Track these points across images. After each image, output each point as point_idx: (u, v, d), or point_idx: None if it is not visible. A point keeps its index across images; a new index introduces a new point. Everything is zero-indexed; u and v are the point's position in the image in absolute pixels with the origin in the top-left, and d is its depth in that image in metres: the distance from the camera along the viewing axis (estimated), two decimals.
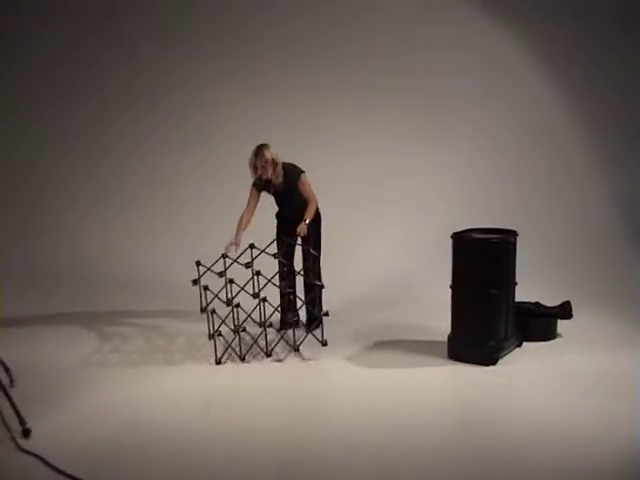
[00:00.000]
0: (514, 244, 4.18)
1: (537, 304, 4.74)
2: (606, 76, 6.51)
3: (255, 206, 4.72)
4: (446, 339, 4.25)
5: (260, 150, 4.54)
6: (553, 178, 6.59)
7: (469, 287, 4.13)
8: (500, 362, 4.09)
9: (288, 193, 4.69)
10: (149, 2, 6.55)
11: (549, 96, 6.59)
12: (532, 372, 4.00)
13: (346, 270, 5.69)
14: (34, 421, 3.22)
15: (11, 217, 6.51)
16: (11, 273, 5.89)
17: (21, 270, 6.08)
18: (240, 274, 4.50)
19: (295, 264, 4.90)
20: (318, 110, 6.49)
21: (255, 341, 4.39)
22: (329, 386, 3.95)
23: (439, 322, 4.44)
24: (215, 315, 4.42)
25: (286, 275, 4.75)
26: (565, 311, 4.75)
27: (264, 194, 4.76)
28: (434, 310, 4.72)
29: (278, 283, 4.56)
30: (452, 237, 4.21)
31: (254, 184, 4.69)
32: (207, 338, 4.49)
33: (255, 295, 4.32)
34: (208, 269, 4.54)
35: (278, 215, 4.91)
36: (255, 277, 4.52)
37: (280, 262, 4.64)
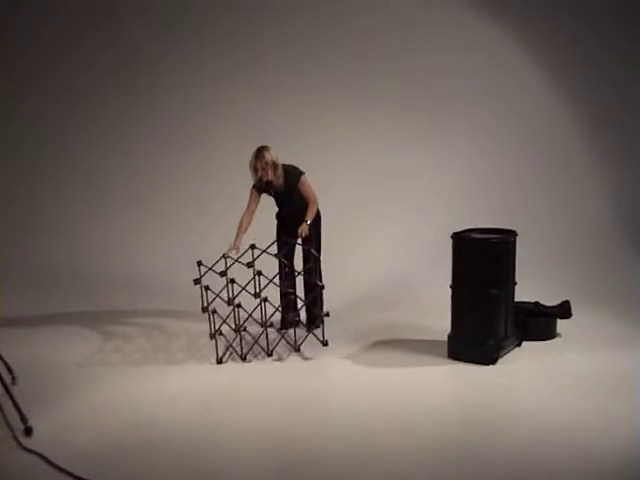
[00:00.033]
0: (514, 244, 4.20)
1: (536, 304, 4.76)
2: (605, 76, 6.53)
3: (255, 209, 4.72)
4: (446, 339, 4.27)
5: (260, 152, 4.55)
6: (553, 178, 6.61)
7: (469, 287, 4.14)
8: (500, 361, 4.11)
9: (288, 194, 4.71)
10: (149, 2, 6.56)
11: (549, 96, 6.62)
12: (532, 371, 4.02)
13: (346, 270, 5.70)
14: (36, 419, 3.24)
15: (12, 217, 6.51)
16: (13, 273, 5.90)
17: (23, 270, 6.09)
18: (241, 274, 4.51)
19: (295, 264, 4.92)
20: (318, 110, 6.50)
21: (256, 341, 4.40)
22: (330, 385, 3.96)
23: (439, 322, 4.45)
24: (216, 315, 4.44)
25: (287, 275, 4.76)
26: (564, 310, 4.77)
27: (264, 196, 4.77)
28: (434, 310, 4.73)
29: (278, 283, 4.57)
30: (452, 237, 4.22)
31: (254, 186, 4.70)
32: (208, 338, 4.51)
33: (256, 295, 4.34)
34: (209, 269, 4.55)
35: (278, 215, 4.92)
36: (256, 277, 4.53)
37: (281, 262, 4.65)
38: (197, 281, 4.48)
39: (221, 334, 4.48)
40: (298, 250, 4.83)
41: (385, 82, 6.54)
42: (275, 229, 4.92)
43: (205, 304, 4.46)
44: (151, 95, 6.62)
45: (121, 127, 6.67)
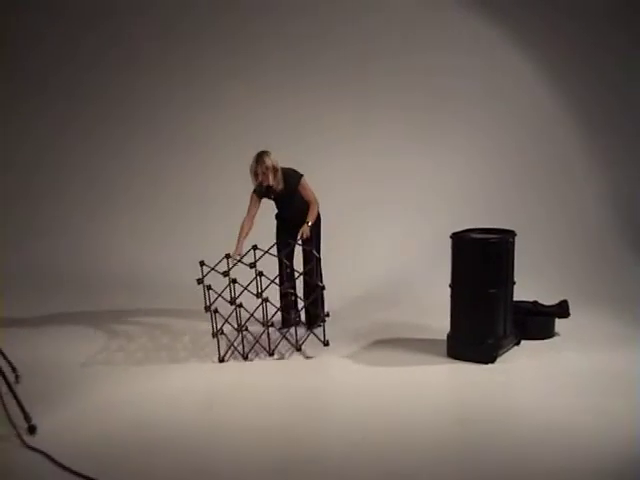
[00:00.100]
0: (513, 244, 4.23)
1: (535, 303, 4.78)
2: (603, 77, 6.55)
3: (255, 213, 4.74)
4: (445, 338, 4.30)
5: (261, 157, 4.58)
6: (552, 178, 6.63)
7: (468, 286, 4.17)
8: (498, 360, 4.14)
9: (289, 197, 4.73)
10: (151, 3, 6.58)
11: (548, 97, 6.63)
12: (530, 370, 4.04)
13: (346, 270, 5.73)
14: (39, 418, 3.25)
15: (15, 217, 6.55)
16: (16, 273, 5.93)
17: (26, 270, 6.12)
18: (243, 274, 4.54)
19: (295, 265, 4.94)
20: (319, 111, 6.52)
21: (257, 340, 4.43)
22: (330, 384, 3.99)
23: (439, 321, 4.48)
24: (218, 314, 4.47)
25: (288, 276, 4.79)
26: (563, 310, 4.78)
27: (264, 199, 4.78)
28: (434, 309, 4.75)
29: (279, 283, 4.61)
30: (451, 237, 4.25)
31: (254, 191, 4.72)
32: (210, 337, 4.53)
33: (258, 295, 4.37)
34: (212, 269, 4.58)
35: (278, 216, 4.95)
36: (258, 277, 4.56)
37: (283, 263, 4.68)
38: (200, 281, 4.52)
39: (223, 333, 4.51)
40: (298, 250, 4.85)
41: (385, 83, 6.56)
42: (275, 230, 4.95)
43: (208, 303, 4.49)
44: (152, 96, 6.65)
45: (123, 128, 6.70)
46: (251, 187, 4.71)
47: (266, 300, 4.32)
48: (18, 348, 4.07)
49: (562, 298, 4.84)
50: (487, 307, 4.12)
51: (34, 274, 6.14)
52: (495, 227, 4.43)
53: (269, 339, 4.38)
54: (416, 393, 3.71)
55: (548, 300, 4.84)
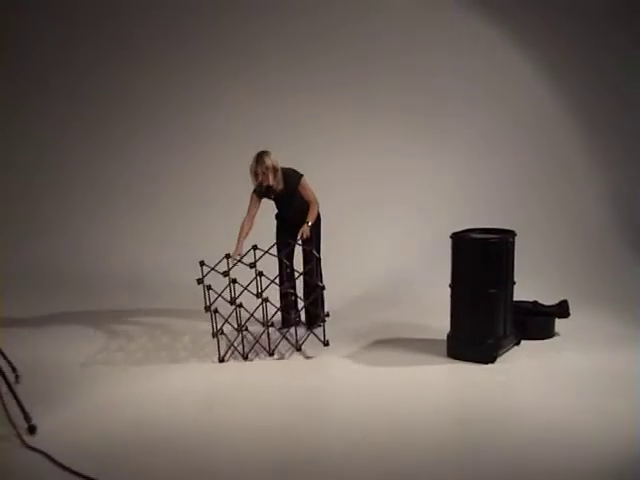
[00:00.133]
0: (512, 244, 4.23)
1: (535, 303, 4.79)
2: (603, 77, 6.55)
3: (255, 213, 4.74)
4: (445, 338, 4.30)
5: (261, 157, 4.58)
6: (552, 178, 6.63)
7: (468, 286, 4.17)
8: (498, 360, 4.14)
9: (289, 197, 4.73)
10: (151, 4, 6.59)
11: (548, 97, 6.64)
12: (530, 370, 4.04)
13: (346, 270, 5.73)
14: (40, 418, 3.26)
15: (16, 217, 6.55)
16: (16, 273, 5.93)
17: (26, 270, 6.12)
18: (243, 274, 4.54)
19: (294, 265, 4.94)
20: (319, 111, 6.53)
21: (257, 340, 4.44)
22: (331, 384, 3.99)
23: (439, 321, 4.48)
24: (218, 314, 4.47)
25: (288, 276, 4.79)
26: (563, 310, 4.78)
27: (264, 199, 4.78)
28: (434, 309, 4.75)
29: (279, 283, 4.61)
30: (451, 237, 4.25)
31: (254, 191, 4.73)
32: (210, 337, 4.53)
33: (258, 295, 4.37)
34: (212, 269, 4.59)
35: (278, 216, 4.95)
36: (258, 277, 4.56)
37: (283, 263, 4.69)
38: (200, 281, 4.52)
39: (223, 333, 4.51)
40: (298, 250, 4.86)
41: (385, 83, 6.56)
42: (275, 230, 4.96)
43: (208, 303, 4.49)
44: (152, 96, 6.65)
45: (123, 128, 6.70)
46: (251, 187, 4.71)
47: (266, 300, 4.33)
48: (18, 348, 4.08)
49: (562, 298, 4.84)
50: (487, 307, 4.13)
51: (34, 274, 6.15)
52: (495, 227, 4.43)
53: (269, 339, 4.39)
54: (416, 393, 3.71)
55: (548, 300, 4.85)
